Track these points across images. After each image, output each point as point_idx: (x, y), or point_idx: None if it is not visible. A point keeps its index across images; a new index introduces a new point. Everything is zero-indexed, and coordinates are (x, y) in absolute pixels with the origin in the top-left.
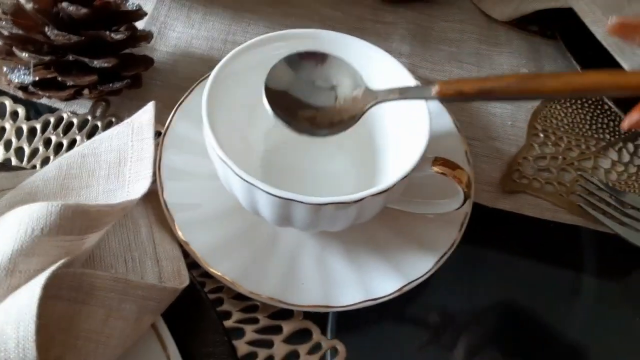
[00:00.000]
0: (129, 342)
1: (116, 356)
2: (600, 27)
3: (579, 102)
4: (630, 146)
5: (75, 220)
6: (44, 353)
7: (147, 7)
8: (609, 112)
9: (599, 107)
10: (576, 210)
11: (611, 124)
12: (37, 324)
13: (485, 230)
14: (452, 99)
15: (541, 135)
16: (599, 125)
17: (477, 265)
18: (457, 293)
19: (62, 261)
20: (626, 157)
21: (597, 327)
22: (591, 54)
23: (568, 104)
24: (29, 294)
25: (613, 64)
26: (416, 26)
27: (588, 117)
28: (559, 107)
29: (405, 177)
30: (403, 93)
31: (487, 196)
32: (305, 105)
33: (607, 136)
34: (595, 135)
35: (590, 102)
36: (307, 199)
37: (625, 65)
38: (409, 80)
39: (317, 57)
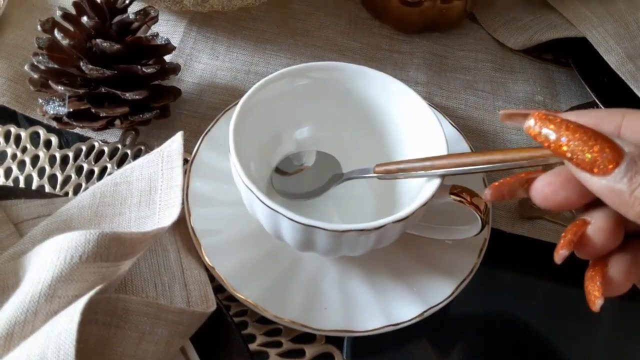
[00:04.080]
0: None
1: None
2: (614, 55)
3: None
4: None
5: (111, 247)
6: None
7: (174, 41)
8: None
9: None
10: None
11: None
12: (76, 348)
13: (504, 255)
14: (383, 176)
15: None
16: None
17: (496, 289)
18: (476, 318)
19: (98, 287)
20: None
21: (619, 352)
22: (605, 81)
23: None
24: (68, 319)
25: (627, 91)
26: (432, 55)
27: None
28: None
29: (425, 204)
30: (357, 173)
31: (505, 222)
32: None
33: None
34: None
35: None
36: (329, 226)
37: (638, 92)
38: (425, 109)
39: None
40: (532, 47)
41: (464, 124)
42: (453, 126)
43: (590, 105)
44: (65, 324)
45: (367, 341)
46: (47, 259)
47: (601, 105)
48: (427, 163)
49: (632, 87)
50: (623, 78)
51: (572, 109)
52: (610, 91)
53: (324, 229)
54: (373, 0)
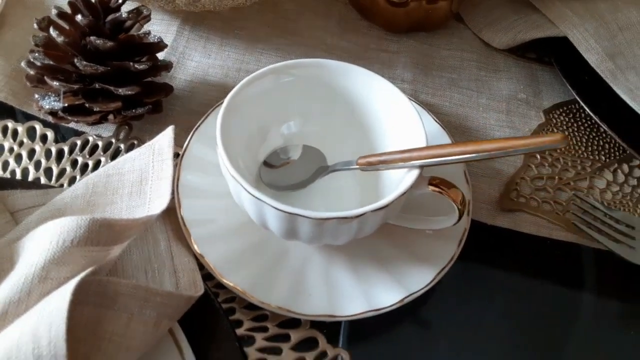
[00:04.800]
0: (148, 345)
1: (137, 357)
2: (594, 54)
3: (575, 125)
4: (625, 167)
5: (101, 233)
6: (73, 352)
7: (168, 39)
8: (604, 135)
9: (595, 130)
10: (572, 228)
11: (606, 146)
12: (67, 325)
13: (484, 245)
14: (366, 168)
15: (538, 156)
16: (595, 147)
17: (476, 278)
18: (458, 305)
19: (89, 269)
20: (621, 178)
21: (592, 342)
22: (586, 79)
23: (564, 128)
24: (60, 299)
25: (607, 89)
26: (418, 54)
27: (584, 140)
28: (555, 129)
29: (403, 194)
30: (341, 166)
31: (486, 214)
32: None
33: (603, 157)
34: (591, 157)
35: (586, 125)
36: (311, 214)
37: (617, 89)
38: (406, 104)
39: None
40: (516, 47)
41: (448, 120)
42: (437, 122)
43: (572, 102)
44: (57, 303)
45: (358, 327)
46: (40, 243)
47: (582, 103)
48: (406, 155)
49: (611, 84)
50: (602, 76)
51: (554, 106)
52: (591, 89)
53: (306, 217)
54: (361, 0)
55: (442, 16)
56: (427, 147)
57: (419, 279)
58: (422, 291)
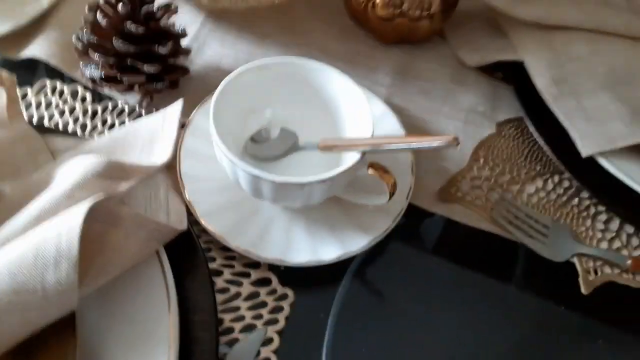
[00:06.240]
0: (139, 259)
1: (130, 265)
2: (542, 79)
3: (520, 138)
4: (556, 178)
5: (113, 170)
6: (83, 252)
7: (192, 28)
8: (542, 150)
9: (536, 144)
10: (495, 222)
11: (543, 159)
12: (81, 232)
13: (420, 225)
14: (324, 149)
15: (481, 160)
16: (533, 158)
17: (406, 249)
18: (387, 267)
19: (102, 195)
20: (550, 187)
21: (495, 323)
22: (537, 100)
23: (510, 140)
24: (79, 212)
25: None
26: (400, 63)
27: (525, 151)
28: (502, 140)
29: (343, 172)
30: (307, 145)
31: (427, 202)
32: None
33: (538, 167)
34: (528, 166)
35: (529, 139)
36: (268, 177)
37: (555, 111)
38: (361, 97)
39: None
40: (486, 65)
41: (410, 122)
42: (399, 123)
43: (521, 119)
44: (76, 215)
45: (299, 272)
46: (70, 171)
47: (526, 119)
48: (352, 142)
49: (550, 106)
50: (545, 98)
51: (506, 120)
52: (538, 109)
53: (265, 179)
54: (357, 12)
55: (425, 32)
56: (369, 138)
57: (356, 243)
58: (357, 252)
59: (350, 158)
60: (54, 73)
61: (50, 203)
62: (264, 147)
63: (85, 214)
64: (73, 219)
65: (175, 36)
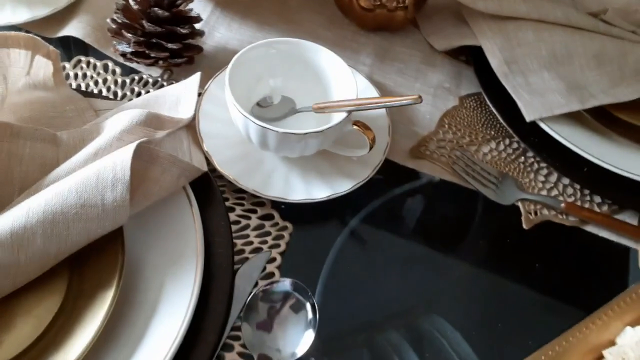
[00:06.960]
0: (171, 190)
1: (164, 195)
2: (496, 60)
3: (479, 109)
4: (507, 141)
5: (152, 120)
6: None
7: (204, 15)
8: (497, 118)
9: (492, 114)
10: (456, 174)
11: (497, 126)
12: (131, 162)
13: (395, 176)
14: (318, 111)
15: (446, 126)
16: (488, 125)
17: (381, 193)
18: (367, 206)
19: (144, 139)
20: (501, 147)
21: (455, 253)
22: (492, 77)
23: (470, 110)
24: (129, 149)
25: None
26: (379, 47)
27: (482, 119)
28: (464, 110)
29: (332, 127)
30: (303, 109)
31: (400, 158)
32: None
33: (493, 133)
34: (484, 131)
35: (486, 110)
36: (274, 128)
37: (506, 86)
38: (347, 71)
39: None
40: (452, 50)
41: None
42: (379, 95)
43: (480, 93)
44: (127, 152)
45: (299, 210)
46: (118, 121)
47: (484, 93)
48: (340, 103)
49: (502, 82)
50: (498, 75)
51: (468, 95)
52: (494, 85)
53: (271, 130)
54: (343, 4)
55: (400, 21)
56: (353, 99)
57: (343, 186)
58: (343, 193)
59: (339, 116)
60: (88, 50)
61: (105, 143)
62: (267, 110)
63: (133, 152)
64: (125, 153)
65: (192, 20)
